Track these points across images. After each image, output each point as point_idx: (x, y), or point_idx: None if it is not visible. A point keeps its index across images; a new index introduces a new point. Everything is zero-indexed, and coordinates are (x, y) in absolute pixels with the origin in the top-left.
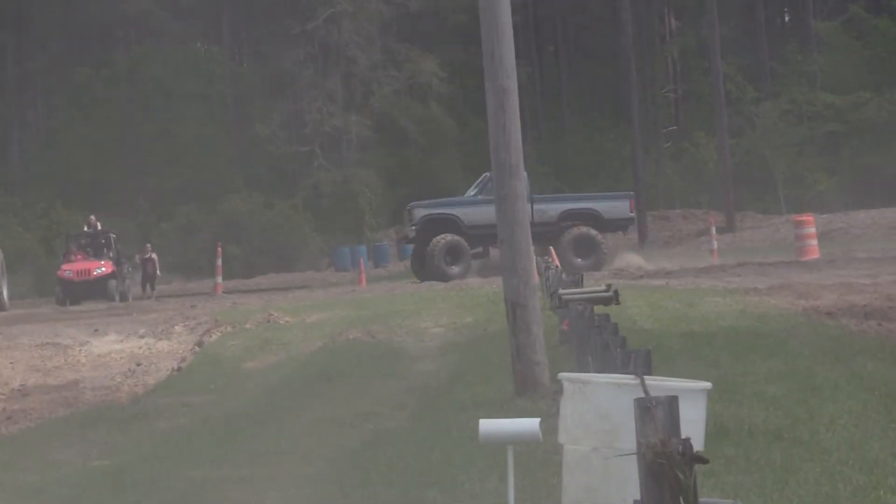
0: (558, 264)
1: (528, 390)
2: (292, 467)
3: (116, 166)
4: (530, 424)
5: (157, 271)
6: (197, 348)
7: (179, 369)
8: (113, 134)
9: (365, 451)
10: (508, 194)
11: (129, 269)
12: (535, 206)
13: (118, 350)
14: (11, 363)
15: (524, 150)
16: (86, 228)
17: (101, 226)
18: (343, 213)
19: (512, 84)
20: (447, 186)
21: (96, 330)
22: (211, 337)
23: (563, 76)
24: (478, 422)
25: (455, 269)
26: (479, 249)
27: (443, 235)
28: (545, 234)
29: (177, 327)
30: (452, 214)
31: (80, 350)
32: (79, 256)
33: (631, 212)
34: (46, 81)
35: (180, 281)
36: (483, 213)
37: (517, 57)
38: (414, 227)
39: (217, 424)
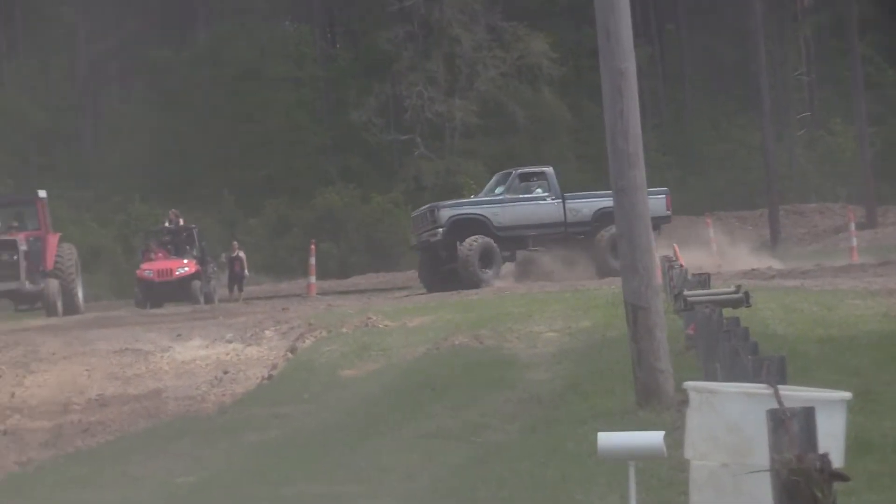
0: (683, 263)
1: (651, 401)
2: (393, 484)
3: (199, 156)
4: (653, 438)
5: (245, 271)
6: (289, 355)
7: (270, 377)
8: (195, 121)
9: (472, 466)
10: (627, 186)
11: (215, 268)
12: (568, 205)
13: (203, 356)
14: (88, 371)
15: (643, 137)
16: (167, 224)
17: (184, 221)
18: None
19: (630, 66)
20: (559, 177)
21: (179, 335)
22: (304, 342)
23: (685, 57)
24: (596, 435)
25: (488, 274)
26: (507, 253)
27: (474, 237)
28: (578, 234)
29: (267, 332)
30: (481, 215)
31: (161, 356)
32: (159, 255)
33: (667, 209)
34: (121, 64)
35: (270, 282)
36: (513, 213)
37: (635, 36)
38: (440, 230)
39: (311, 437)
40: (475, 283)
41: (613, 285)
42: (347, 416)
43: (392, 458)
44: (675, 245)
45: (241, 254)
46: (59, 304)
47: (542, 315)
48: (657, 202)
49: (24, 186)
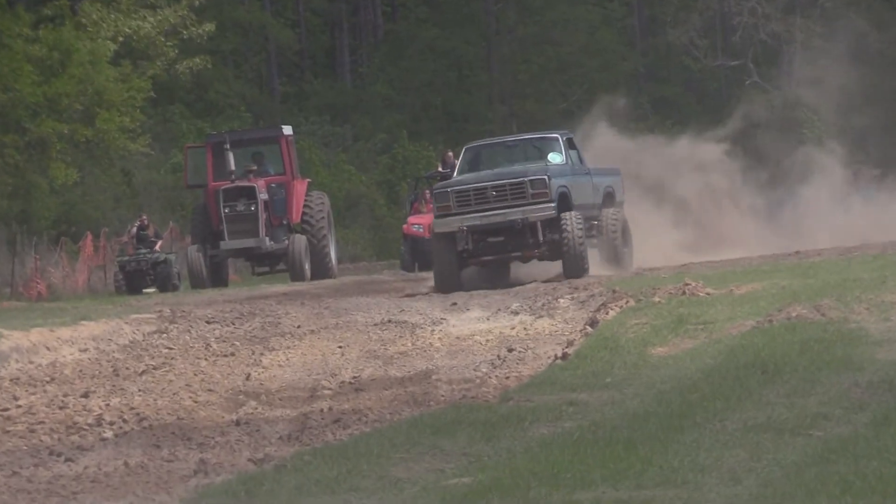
0: None
1: None
2: (714, 487)
3: (478, 85)
4: None
5: None
6: (588, 329)
7: (564, 357)
8: (478, 43)
9: (811, 466)
10: None
11: None
12: (594, 179)
13: (483, 331)
14: (341, 347)
15: None
16: (440, 168)
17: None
18: (786, 148)
19: None
20: None
21: (454, 304)
22: (607, 313)
23: None
24: None
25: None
26: None
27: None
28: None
29: (562, 300)
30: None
31: (432, 331)
32: (431, 206)
33: None
34: None
35: None
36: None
37: None
38: (551, 204)
39: (614, 430)
40: (581, 271)
41: None
42: (658, 405)
43: (712, 455)
44: None
45: None
46: (307, 266)
47: None
48: None
49: (266, 121)
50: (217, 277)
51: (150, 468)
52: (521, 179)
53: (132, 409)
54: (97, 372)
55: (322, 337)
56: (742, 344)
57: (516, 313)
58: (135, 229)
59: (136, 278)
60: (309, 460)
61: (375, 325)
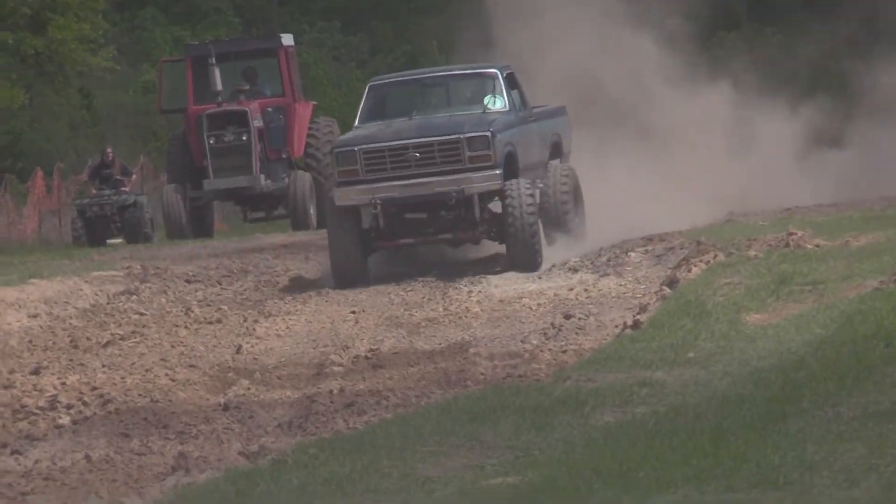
0: None
1: None
2: (825, 489)
3: None
4: None
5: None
6: (666, 290)
7: (636, 325)
8: None
9: None
10: None
11: None
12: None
13: (533, 292)
14: (354, 313)
15: None
16: None
17: None
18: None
19: None
20: None
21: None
22: (689, 271)
23: None
24: None
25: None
26: None
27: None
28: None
29: (632, 254)
30: None
31: (469, 292)
32: None
33: None
34: None
35: None
36: None
37: None
38: None
39: (699, 418)
40: (532, 262)
41: None
42: (754, 386)
43: (823, 449)
44: None
45: None
46: (312, 211)
47: None
48: None
49: (261, 29)
50: (200, 225)
51: (116, 463)
52: (457, 137)
53: (94, 389)
54: (51, 343)
55: (331, 300)
56: (861, 310)
57: (575, 270)
58: (97, 165)
59: (99, 226)
60: (315, 454)
61: (397, 285)
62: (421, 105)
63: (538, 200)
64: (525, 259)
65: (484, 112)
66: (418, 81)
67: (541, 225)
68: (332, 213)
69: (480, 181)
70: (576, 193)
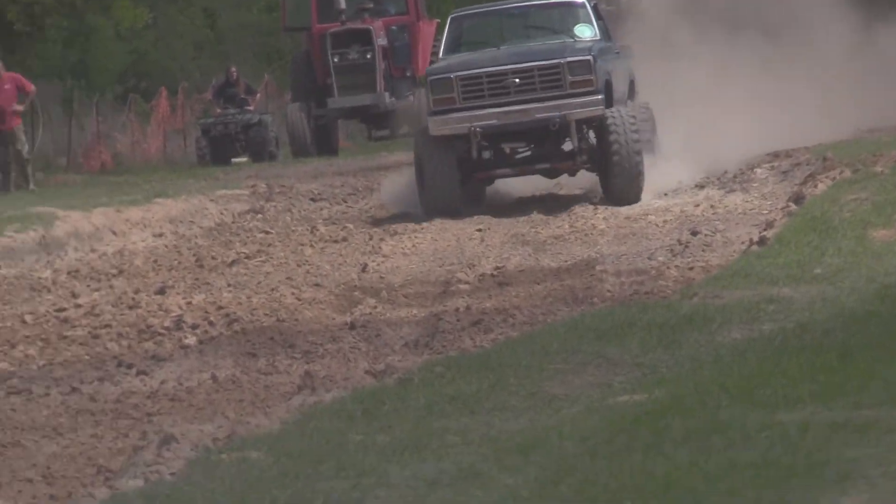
0: None
1: None
2: None
3: None
4: None
5: None
6: (792, 206)
7: (762, 241)
8: None
9: None
10: None
11: None
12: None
13: (660, 209)
14: (480, 231)
15: None
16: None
17: None
18: None
19: None
20: None
21: None
22: (816, 187)
23: None
24: None
25: None
26: None
27: None
28: None
29: (758, 170)
30: None
31: (595, 210)
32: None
33: None
34: None
35: None
36: None
37: None
38: None
39: (826, 335)
40: (634, 194)
41: None
42: (882, 302)
43: None
44: None
45: None
46: None
47: None
48: None
49: None
50: (324, 144)
51: (242, 383)
52: (558, 62)
53: (220, 308)
54: (176, 262)
55: (457, 218)
56: None
57: (701, 187)
58: (221, 84)
59: (224, 145)
60: (441, 372)
61: (520, 202)
62: (507, 35)
63: (648, 128)
64: (626, 190)
65: (575, 40)
66: (503, 12)
67: (643, 157)
68: (425, 143)
69: (582, 107)
70: (653, 134)
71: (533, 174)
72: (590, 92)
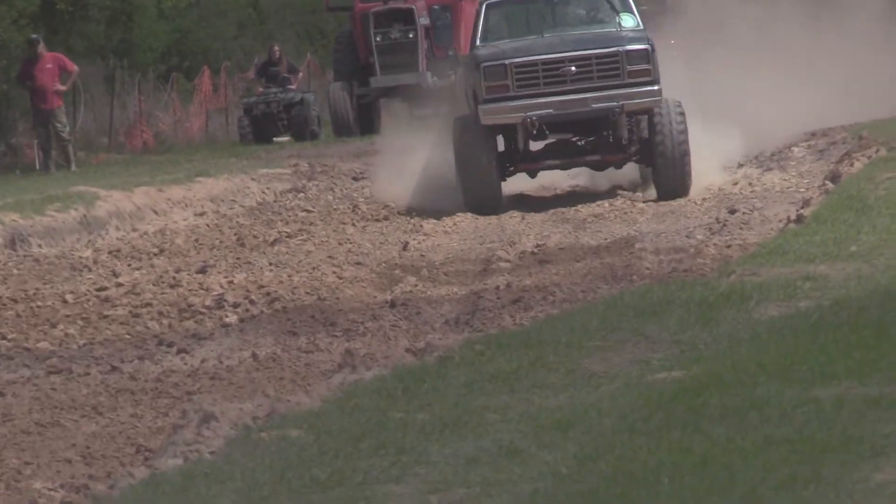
0: None
1: None
2: None
3: None
4: None
5: None
6: (829, 184)
7: (799, 220)
8: None
9: None
10: None
11: None
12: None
13: (699, 187)
14: (521, 211)
15: None
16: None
17: None
18: None
19: None
20: None
21: None
22: (852, 165)
23: None
24: None
25: None
26: None
27: None
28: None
29: (795, 149)
30: None
31: (634, 188)
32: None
33: None
34: None
35: None
36: None
37: None
38: None
39: (862, 311)
40: (683, 186)
41: None
42: None
43: None
44: None
45: None
46: None
47: None
48: None
49: None
50: (366, 122)
51: (283, 361)
52: (616, 50)
53: (261, 287)
54: (217, 241)
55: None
56: None
57: (739, 165)
58: (263, 63)
59: (266, 124)
60: (481, 350)
61: (565, 179)
62: (547, 23)
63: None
64: (675, 182)
65: (623, 29)
66: (538, 0)
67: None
68: (469, 131)
69: (641, 97)
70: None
71: (581, 166)
72: (648, 82)
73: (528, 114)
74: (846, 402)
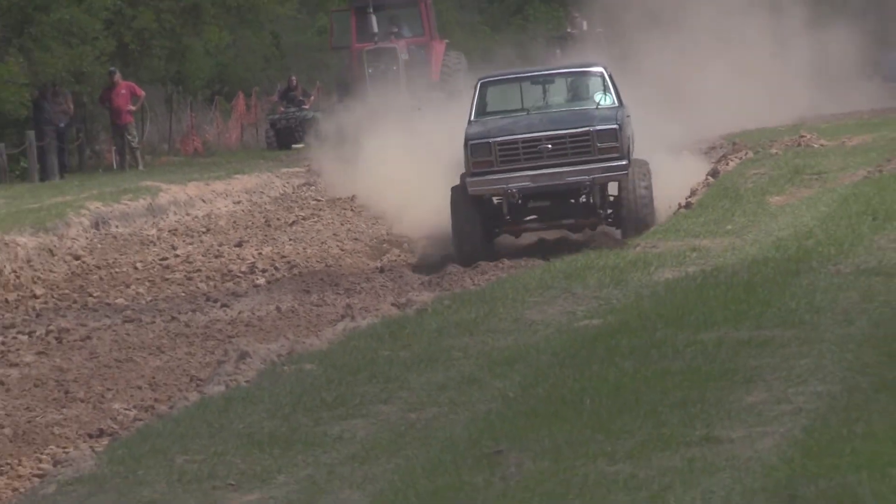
0: None
1: None
2: (829, 328)
3: None
4: None
5: None
6: (710, 178)
7: (688, 205)
8: None
9: None
10: None
11: None
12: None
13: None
14: None
15: None
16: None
17: None
18: None
19: None
20: None
21: None
22: (728, 164)
23: None
24: None
25: None
26: None
27: None
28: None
29: (685, 151)
30: None
31: None
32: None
33: None
34: None
35: None
36: None
37: None
38: None
39: (735, 275)
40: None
41: None
42: (776, 250)
43: (826, 297)
44: None
45: None
46: None
47: None
48: None
49: None
50: None
51: (300, 312)
52: (587, 129)
53: (283, 257)
54: (250, 222)
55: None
56: (854, 193)
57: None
58: (284, 89)
59: (286, 135)
60: (448, 304)
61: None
62: (534, 101)
63: (650, 182)
64: (638, 230)
65: (597, 107)
66: (529, 79)
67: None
68: (460, 201)
69: (609, 171)
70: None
71: (559, 228)
72: (616, 157)
73: (510, 186)
74: (724, 343)
